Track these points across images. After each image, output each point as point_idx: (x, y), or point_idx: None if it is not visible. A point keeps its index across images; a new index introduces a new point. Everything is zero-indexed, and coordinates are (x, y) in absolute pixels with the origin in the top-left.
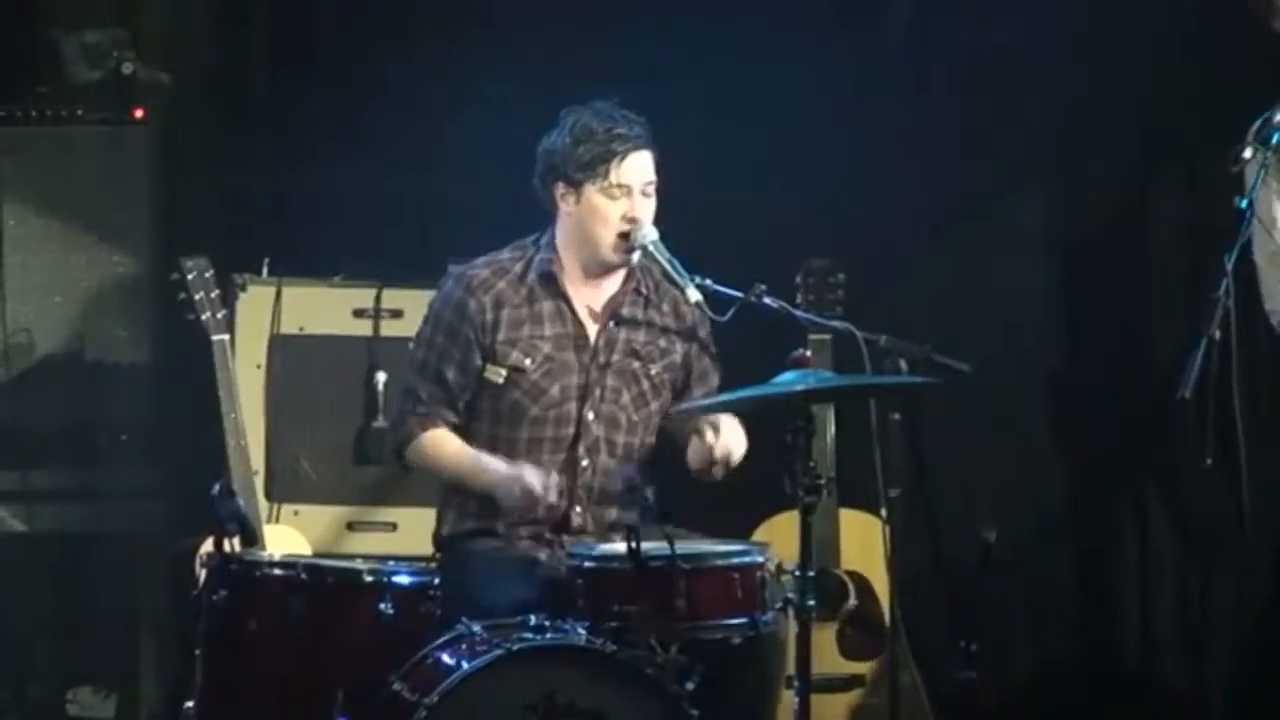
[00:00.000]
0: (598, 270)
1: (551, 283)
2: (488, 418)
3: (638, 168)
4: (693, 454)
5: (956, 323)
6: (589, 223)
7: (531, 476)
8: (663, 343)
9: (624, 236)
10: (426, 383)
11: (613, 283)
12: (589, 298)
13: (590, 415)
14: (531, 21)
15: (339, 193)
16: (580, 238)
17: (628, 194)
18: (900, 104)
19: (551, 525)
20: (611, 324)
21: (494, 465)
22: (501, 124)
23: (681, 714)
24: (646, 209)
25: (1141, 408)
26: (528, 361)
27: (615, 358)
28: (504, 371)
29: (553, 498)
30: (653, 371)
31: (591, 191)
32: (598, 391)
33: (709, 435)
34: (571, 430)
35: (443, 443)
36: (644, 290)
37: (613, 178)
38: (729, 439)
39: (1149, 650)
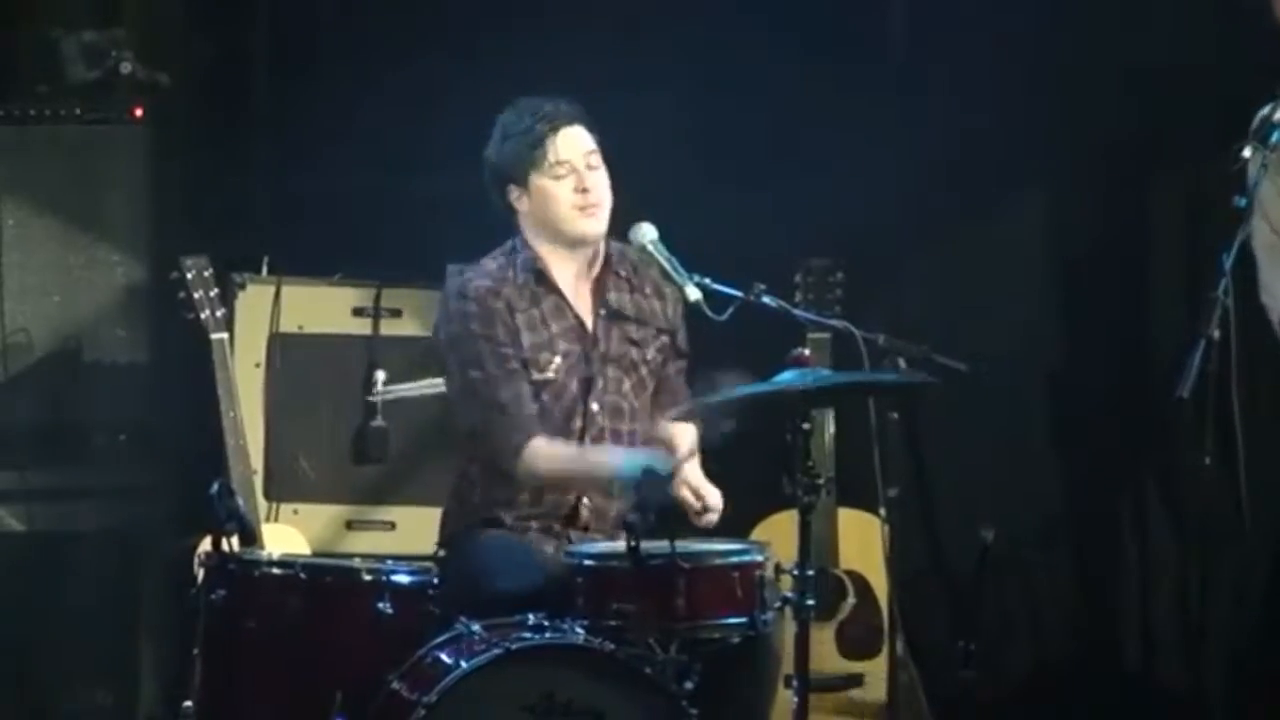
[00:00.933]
0: (571, 251)
1: (544, 279)
2: None
3: (572, 141)
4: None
5: (956, 323)
6: (545, 209)
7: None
8: (651, 327)
9: (583, 209)
10: (503, 386)
11: (593, 269)
12: (578, 288)
13: (595, 406)
14: (532, 21)
15: (339, 191)
16: (543, 227)
17: (571, 169)
18: (900, 104)
19: (560, 519)
20: (604, 313)
21: (609, 455)
22: None
23: (681, 713)
24: (596, 180)
25: (1141, 408)
26: (557, 360)
27: (613, 347)
28: (550, 372)
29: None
30: (648, 356)
31: (537, 179)
32: (600, 382)
33: (704, 513)
34: (579, 423)
35: (552, 448)
36: (623, 273)
37: (551, 157)
38: (716, 505)
39: (1149, 650)
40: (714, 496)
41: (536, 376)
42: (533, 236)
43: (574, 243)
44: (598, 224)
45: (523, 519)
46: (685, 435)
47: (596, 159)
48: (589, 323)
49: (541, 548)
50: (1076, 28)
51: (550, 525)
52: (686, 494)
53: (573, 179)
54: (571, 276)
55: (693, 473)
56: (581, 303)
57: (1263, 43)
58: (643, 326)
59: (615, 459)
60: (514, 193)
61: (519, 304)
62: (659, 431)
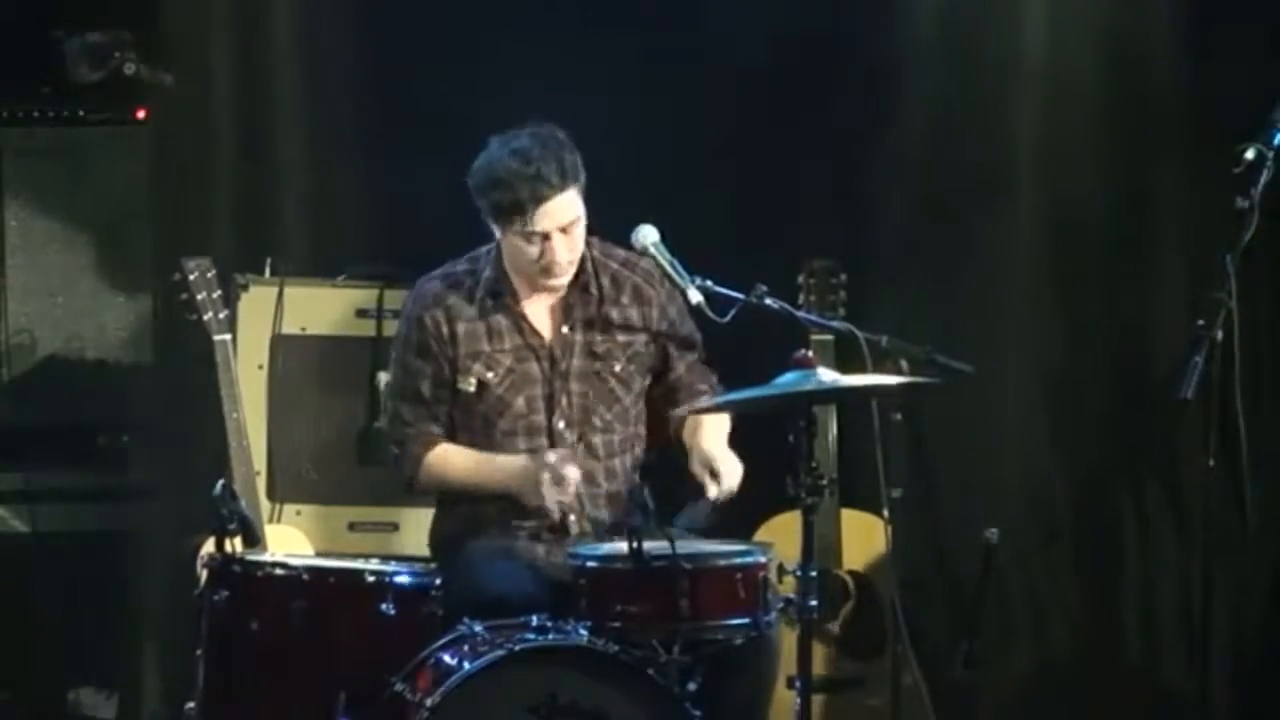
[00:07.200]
0: (541, 289)
1: (501, 298)
2: (462, 432)
3: (552, 216)
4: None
5: (956, 323)
6: (512, 256)
7: (557, 463)
8: (622, 337)
9: (545, 271)
10: (407, 403)
11: (560, 289)
12: (540, 307)
13: (560, 424)
14: (531, 21)
15: (342, 192)
16: (512, 266)
17: (545, 238)
18: (901, 104)
19: (550, 529)
20: (565, 329)
21: (510, 461)
22: (504, 124)
23: (683, 714)
24: (566, 248)
25: (1142, 408)
26: (490, 375)
27: (575, 363)
28: (474, 381)
29: (576, 474)
30: (616, 369)
31: (510, 233)
32: (564, 399)
33: (710, 486)
34: (544, 441)
35: (449, 456)
36: (594, 290)
37: (528, 226)
38: (729, 479)
39: (1149, 650)
40: (728, 472)
41: (462, 385)
42: (505, 256)
43: (541, 289)
44: (559, 281)
45: (511, 526)
46: (710, 426)
47: (574, 226)
48: (548, 340)
49: (532, 551)
50: (1077, 26)
51: (539, 532)
52: (698, 468)
53: (540, 247)
54: (536, 296)
55: (711, 446)
56: (543, 321)
57: (1264, 41)
58: (609, 338)
59: (512, 470)
60: (488, 218)
61: (465, 312)
62: (688, 428)
